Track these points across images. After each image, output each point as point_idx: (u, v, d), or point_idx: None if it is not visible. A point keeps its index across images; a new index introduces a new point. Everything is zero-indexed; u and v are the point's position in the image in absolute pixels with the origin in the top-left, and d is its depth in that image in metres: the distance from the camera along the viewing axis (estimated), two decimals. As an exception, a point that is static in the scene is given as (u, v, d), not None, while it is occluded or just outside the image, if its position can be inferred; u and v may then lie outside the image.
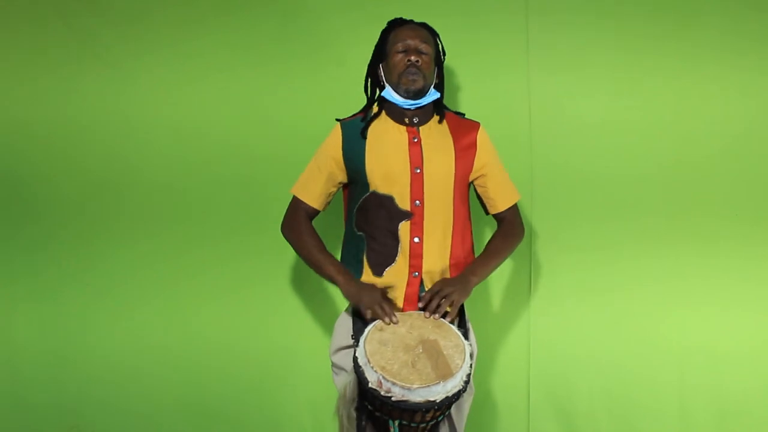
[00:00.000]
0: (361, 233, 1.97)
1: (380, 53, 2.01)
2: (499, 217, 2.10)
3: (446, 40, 2.21)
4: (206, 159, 2.52)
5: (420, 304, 1.88)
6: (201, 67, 2.50)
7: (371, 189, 1.94)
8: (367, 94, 2.07)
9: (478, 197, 2.09)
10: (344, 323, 1.98)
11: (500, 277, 2.52)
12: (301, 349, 2.56)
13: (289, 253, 2.09)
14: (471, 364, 1.73)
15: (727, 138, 2.41)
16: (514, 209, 2.10)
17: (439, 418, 1.74)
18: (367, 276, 1.97)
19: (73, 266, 2.61)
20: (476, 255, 2.07)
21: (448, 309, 1.85)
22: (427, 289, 1.93)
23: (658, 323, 2.48)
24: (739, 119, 2.40)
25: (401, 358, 1.67)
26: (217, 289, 2.57)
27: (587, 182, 2.46)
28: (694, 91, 2.41)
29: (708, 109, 2.41)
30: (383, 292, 1.90)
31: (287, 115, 2.47)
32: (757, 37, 2.37)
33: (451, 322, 1.87)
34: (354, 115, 2.04)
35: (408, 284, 1.94)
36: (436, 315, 1.82)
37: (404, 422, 1.67)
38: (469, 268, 1.98)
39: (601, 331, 2.51)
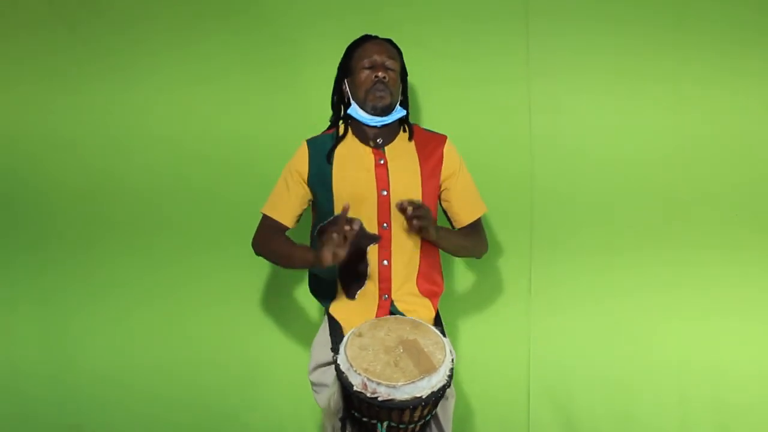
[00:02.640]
0: None
1: (345, 69, 1.99)
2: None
3: (446, 46, 2.26)
4: (194, 170, 2.55)
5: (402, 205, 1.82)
6: (196, 73, 2.52)
7: (337, 212, 1.92)
8: (333, 111, 2.06)
9: (444, 211, 2.09)
10: (320, 343, 1.98)
11: (500, 283, 2.54)
12: (302, 348, 2.55)
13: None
14: (453, 359, 1.74)
15: (727, 145, 2.40)
16: (478, 224, 2.10)
17: (427, 417, 1.73)
18: (341, 298, 1.98)
19: (73, 267, 2.63)
20: (442, 274, 2.08)
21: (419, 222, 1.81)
22: (399, 311, 1.95)
23: (658, 331, 2.48)
24: (740, 125, 2.39)
25: (383, 359, 1.68)
26: (216, 290, 2.59)
27: (587, 189, 2.46)
28: (695, 97, 2.40)
29: (709, 115, 2.40)
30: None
31: (279, 127, 2.48)
32: (758, 41, 2.36)
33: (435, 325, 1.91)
34: (322, 133, 2.04)
35: (378, 307, 1.96)
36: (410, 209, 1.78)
37: (393, 423, 1.67)
38: (440, 228, 1.96)
39: (601, 339, 2.50)
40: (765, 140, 2.41)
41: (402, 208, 1.80)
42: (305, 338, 2.50)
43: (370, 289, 1.95)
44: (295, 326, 2.59)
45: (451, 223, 2.10)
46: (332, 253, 1.74)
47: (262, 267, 2.50)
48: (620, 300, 2.49)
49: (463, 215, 2.07)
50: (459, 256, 2.14)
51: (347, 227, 1.74)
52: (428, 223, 1.84)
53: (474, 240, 2.08)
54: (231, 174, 2.53)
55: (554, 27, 2.42)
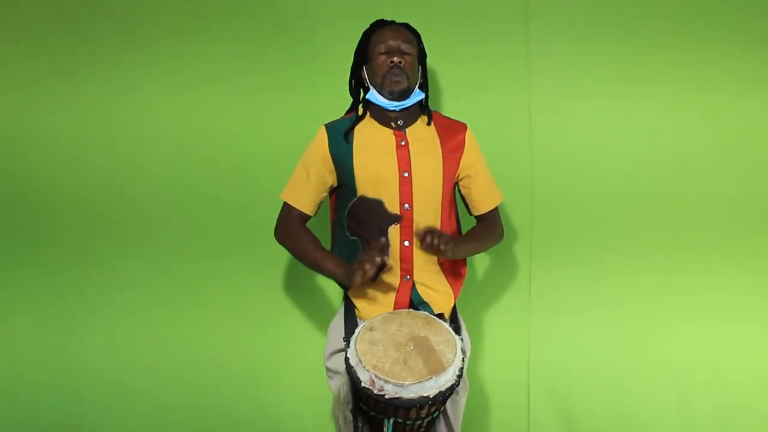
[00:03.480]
0: (355, 238, 1.97)
1: (363, 56, 1.99)
2: (480, 218, 2.11)
3: (446, 48, 2.24)
4: (197, 173, 2.53)
5: (416, 238, 1.86)
6: (199, 75, 2.50)
7: (360, 193, 1.93)
8: (352, 96, 2.05)
9: (462, 197, 2.09)
10: (337, 328, 1.99)
11: (501, 286, 2.53)
12: (301, 348, 2.57)
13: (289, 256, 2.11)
14: (463, 358, 1.73)
15: (727, 148, 2.39)
16: (496, 212, 2.11)
17: (434, 415, 1.73)
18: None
19: (74, 269, 2.62)
20: (465, 258, 2.07)
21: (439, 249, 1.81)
22: (419, 294, 1.95)
23: (658, 333, 2.47)
24: (741, 127, 2.38)
25: (392, 355, 1.67)
26: (217, 290, 2.59)
27: (587, 192, 2.45)
28: (695, 99, 2.38)
29: (709, 116, 2.38)
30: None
31: (282, 127, 2.46)
32: (759, 44, 2.35)
33: (448, 316, 1.91)
34: (340, 118, 2.03)
35: (399, 287, 1.95)
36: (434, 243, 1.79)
37: (399, 420, 1.67)
38: (455, 241, 1.94)
39: (601, 341, 2.50)
40: (766, 144, 2.38)
41: (421, 237, 1.82)
42: (307, 339, 2.55)
43: (391, 270, 1.94)
44: (297, 327, 2.59)
45: (468, 210, 2.10)
46: (362, 276, 1.80)
47: (263, 268, 2.53)
48: (620, 302, 2.48)
49: (483, 204, 2.08)
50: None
51: (377, 259, 1.80)
52: (447, 246, 1.82)
53: (487, 236, 2.07)
54: (233, 177, 2.52)
55: (554, 29, 2.40)
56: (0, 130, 2.60)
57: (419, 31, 2.01)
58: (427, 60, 2.05)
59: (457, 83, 2.42)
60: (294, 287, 2.57)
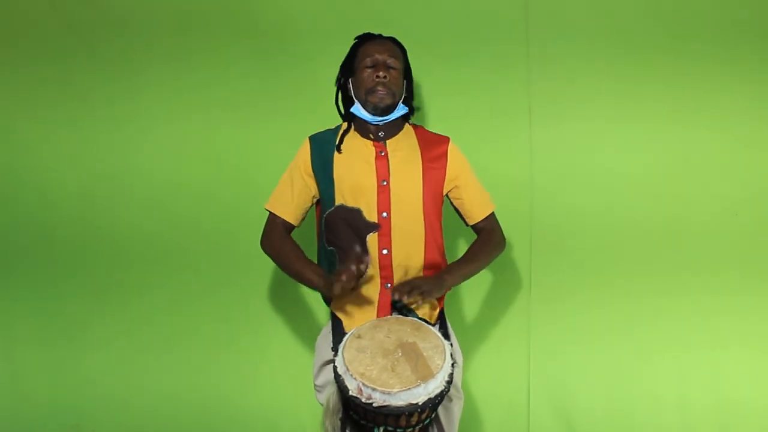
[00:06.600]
0: (332, 248, 1.97)
1: (349, 68, 2.01)
2: (477, 228, 2.09)
3: (446, 50, 2.29)
4: (199, 191, 2.58)
5: (395, 296, 1.81)
6: (199, 98, 2.54)
7: (338, 202, 1.94)
8: (338, 108, 2.08)
9: (455, 209, 2.09)
10: (324, 340, 1.98)
11: (500, 304, 2.54)
12: (299, 362, 2.56)
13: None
14: (453, 364, 1.71)
15: (732, 165, 2.37)
16: (492, 218, 2.10)
17: (425, 422, 1.71)
18: None
19: (73, 282, 2.67)
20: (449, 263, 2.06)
21: (418, 299, 1.81)
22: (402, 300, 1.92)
23: (660, 356, 2.47)
24: (745, 142, 2.36)
25: (380, 363, 1.65)
26: (216, 294, 2.62)
27: (588, 213, 2.45)
28: (698, 119, 2.37)
29: (712, 135, 2.37)
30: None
31: (283, 152, 2.38)
32: (762, 54, 2.33)
33: (433, 324, 1.88)
34: (326, 129, 2.06)
35: (381, 295, 1.94)
36: (405, 297, 1.77)
37: (390, 428, 1.65)
38: (446, 268, 1.98)
39: (601, 361, 2.50)
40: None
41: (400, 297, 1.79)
42: (306, 343, 2.55)
43: (371, 278, 1.94)
44: (296, 331, 2.59)
45: (464, 221, 2.09)
46: (341, 287, 1.78)
47: (258, 285, 2.56)
48: (621, 316, 2.48)
49: (476, 212, 2.07)
50: None
51: (358, 266, 1.78)
52: (424, 286, 1.81)
53: (486, 249, 2.05)
54: (230, 200, 2.56)
55: (554, 33, 2.40)
56: (6, 154, 2.65)
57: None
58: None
59: (457, 88, 2.42)
60: (297, 290, 2.56)
